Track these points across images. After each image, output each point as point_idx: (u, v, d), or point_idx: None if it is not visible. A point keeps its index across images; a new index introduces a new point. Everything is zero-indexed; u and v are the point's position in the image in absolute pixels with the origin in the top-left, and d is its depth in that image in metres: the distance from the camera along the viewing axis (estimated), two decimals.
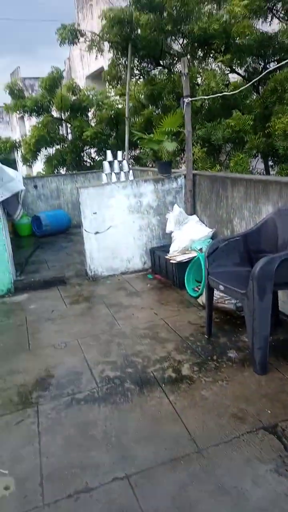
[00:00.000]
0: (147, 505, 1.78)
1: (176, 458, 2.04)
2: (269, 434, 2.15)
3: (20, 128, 30.93)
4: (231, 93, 4.82)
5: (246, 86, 5.30)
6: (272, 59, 7.42)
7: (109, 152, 4.96)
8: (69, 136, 10.64)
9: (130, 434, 2.23)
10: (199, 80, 7.24)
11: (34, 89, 29.20)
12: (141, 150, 8.36)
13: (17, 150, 11.08)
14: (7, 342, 3.48)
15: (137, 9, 6.61)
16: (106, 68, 10.18)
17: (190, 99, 4.41)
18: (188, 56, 7.62)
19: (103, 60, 10.21)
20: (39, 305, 4.25)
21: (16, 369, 3.00)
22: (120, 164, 4.88)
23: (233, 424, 2.24)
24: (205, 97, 5.05)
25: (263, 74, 4.46)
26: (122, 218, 4.81)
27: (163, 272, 4.66)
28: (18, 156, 13.54)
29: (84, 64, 18.61)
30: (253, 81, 5.60)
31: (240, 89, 4.70)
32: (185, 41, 7.13)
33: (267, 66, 7.59)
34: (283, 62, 4.57)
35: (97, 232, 4.79)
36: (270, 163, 7.56)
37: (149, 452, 2.10)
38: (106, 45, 7.66)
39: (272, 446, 2.08)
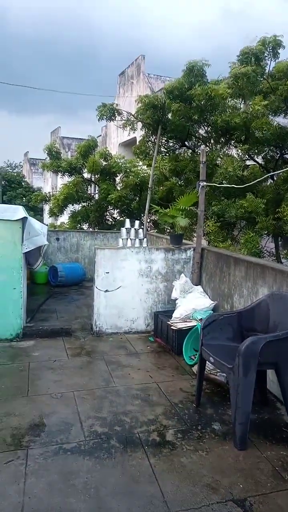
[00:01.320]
0: None
1: None
2: (237, 507, 2.28)
3: (52, 180, 32.90)
4: (242, 186, 5.36)
5: (258, 180, 5.84)
6: None
7: (127, 220, 5.46)
8: (95, 196, 11.44)
9: (109, 488, 2.39)
10: (219, 162, 7.93)
11: (70, 148, 31.47)
12: (157, 212, 8.96)
13: (46, 202, 11.91)
14: (8, 385, 3.70)
15: (169, 98, 7.49)
16: (138, 139, 11.17)
17: (205, 183, 4.93)
18: (212, 141, 8.42)
19: (137, 132, 11.26)
20: (43, 353, 4.49)
21: (13, 412, 3.21)
22: (137, 232, 5.33)
23: (206, 493, 2.38)
24: (218, 185, 5.58)
25: (280, 171, 4.94)
26: (131, 280, 5.17)
27: (164, 336, 4.89)
28: (46, 206, 14.50)
29: (119, 132, 20.21)
30: (267, 175, 6.16)
31: (252, 182, 5.23)
32: (209, 129, 7.93)
33: (284, 156, 8.30)
34: None
35: (107, 290, 5.13)
36: (280, 242, 7.97)
37: (123, 507, 2.24)
38: (139, 124, 8.57)
39: None
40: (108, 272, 5.06)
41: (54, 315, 6.05)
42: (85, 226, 11.36)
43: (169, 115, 7.86)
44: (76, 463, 2.61)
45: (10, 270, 4.77)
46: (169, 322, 4.66)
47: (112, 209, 11.02)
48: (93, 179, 11.03)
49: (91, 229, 10.50)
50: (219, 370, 3.71)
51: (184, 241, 5.64)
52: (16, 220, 4.73)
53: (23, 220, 4.80)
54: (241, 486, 2.45)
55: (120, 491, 2.37)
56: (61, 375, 3.95)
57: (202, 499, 2.33)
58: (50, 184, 34.00)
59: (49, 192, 11.64)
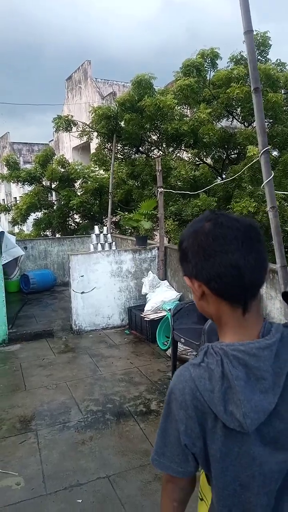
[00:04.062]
0: (122, 494, 2.49)
1: (143, 465, 2.77)
2: None
3: (5, 187, 32.37)
4: (196, 192, 6.04)
5: (210, 186, 6.52)
6: (233, 152, 8.96)
7: (96, 227, 5.98)
8: (56, 202, 11.79)
9: (110, 450, 2.95)
10: (172, 164, 8.61)
11: (22, 153, 31.09)
12: (121, 217, 9.53)
13: (7, 212, 12.09)
14: (6, 383, 4.15)
15: (122, 109, 8.05)
16: (93, 145, 11.62)
17: (163, 189, 5.56)
18: (164, 145, 9.09)
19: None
20: (31, 354, 4.94)
21: (16, 404, 3.67)
22: (105, 236, 5.87)
23: None
24: (175, 191, 6.23)
25: (228, 179, 5.63)
26: (105, 280, 5.71)
27: (138, 328, 5.49)
28: (2, 214, 14.65)
29: (71, 137, 20.50)
30: (214, 184, 6.86)
31: (206, 188, 5.91)
32: (160, 135, 8.59)
33: (230, 156, 9.14)
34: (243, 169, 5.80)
35: (83, 292, 5.63)
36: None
37: (123, 461, 2.82)
38: (94, 133, 9.07)
39: None
40: (82, 276, 5.56)
41: (33, 320, 6.45)
42: (48, 232, 11.68)
43: (122, 123, 8.42)
44: (79, 435, 3.15)
45: None
46: (142, 315, 5.25)
47: (74, 214, 11.43)
48: (52, 186, 11.37)
49: (58, 236, 10.87)
50: (189, 351, 4.36)
51: (148, 241, 6.25)
52: None
53: (0, 234, 5.20)
54: None
55: (120, 450, 2.95)
56: (52, 370, 4.44)
57: None
58: (4, 191, 33.48)
59: (11, 202, 11.84)
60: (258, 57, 8.73)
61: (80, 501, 2.45)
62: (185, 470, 0.92)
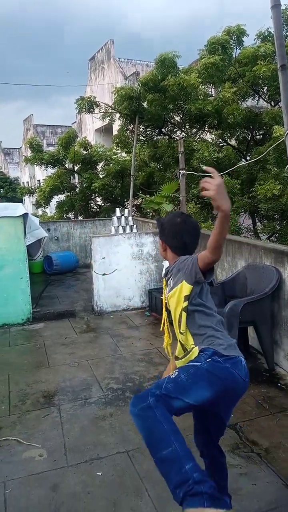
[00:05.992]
0: (141, 468, 2.58)
1: None
2: (230, 430, 2.96)
3: (29, 170, 32.70)
4: (220, 174, 5.93)
5: (233, 168, 6.38)
6: (258, 133, 8.73)
7: (118, 210, 6.01)
8: (79, 185, 11.86)
9: (129, 426, 3.03)
10: (195, 145, 8.47)
11: (45, 135, 31.19)
12: (143, 200, 9.50)
13: (31, 194, 12.28)
14: (30, 360, 4.30)
15: (144, 89, 7.94)
16: (115, 127, 11.56)
17: (185, 172, 5.50)
18: (187, 126, 8.95)
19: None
20: (54, 333, 5.08)
21: (40, 380, 3.81)
22: (127, 219, 5.89)
23: None
24: (197, 173, 6.14)
25: (252, 161, 5.49)
26: (126, 263, 5.76)
27: (159, 310, 5.53)
28: (26, 197, 14.86)
29: (94, 118, 20.41)
30: (238, 165, 6.70)
31: (229, 170, 5.80)
32: (183, 116, 8.44)
33: (255, 137, 8.91)
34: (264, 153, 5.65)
35: (104, 274, 5.71)
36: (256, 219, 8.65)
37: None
38: (116, 114, 9.00)
39: (232, 436, 2.89)
40: (104, 258, 5.63)
41: (56, 300, 6.61)
42: (71, 215, 11.81)
43: (145, 104, 8.31)
44: (100, 411, 3.25)
45: (17, 262, 5.29)
46: (162, 297, 5.28)
47: (96, 197, 11.50)
48: (75, 169, 11.43)
49: (80, 218, 10.99)
50: None
51: None
52: (18, 216, 5.22)
53: (24, 216, 5.29)
54: (232, 415, 3.12)
55: None
56: (74, 349, 4.56)
57: None
58: (28, 173, 33.86)
59: (35, 185, 11.99)
60: (287, 33, 8.38)
61: (100, 473, 2.55)
62: None
